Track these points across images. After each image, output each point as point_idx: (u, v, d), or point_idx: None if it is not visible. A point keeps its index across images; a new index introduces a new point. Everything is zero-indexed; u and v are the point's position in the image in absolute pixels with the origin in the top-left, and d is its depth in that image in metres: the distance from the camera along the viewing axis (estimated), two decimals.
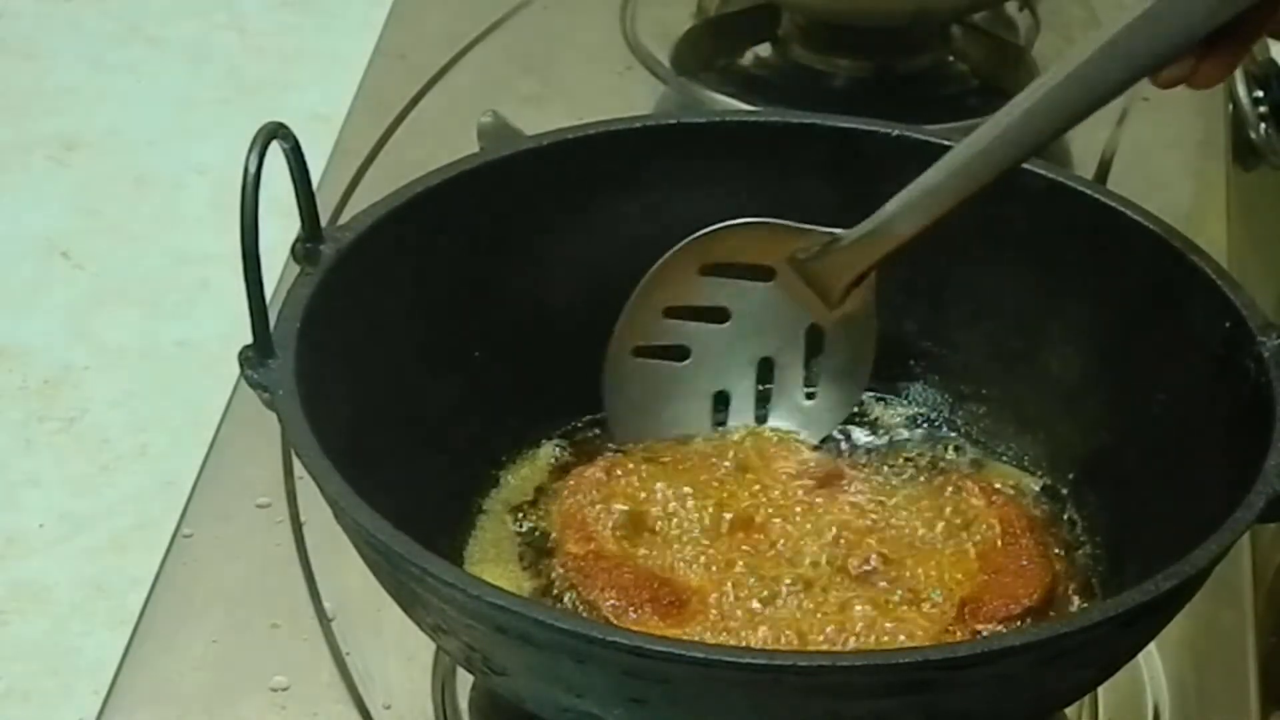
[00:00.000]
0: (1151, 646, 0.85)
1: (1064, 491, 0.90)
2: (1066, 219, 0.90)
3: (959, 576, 0.84)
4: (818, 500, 0.88)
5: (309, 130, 0.81)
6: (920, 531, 0.87)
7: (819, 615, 0.82)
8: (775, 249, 0.90)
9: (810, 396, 0.93)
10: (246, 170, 0.76)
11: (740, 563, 0.85)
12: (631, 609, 0.82)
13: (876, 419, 0.95)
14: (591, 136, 0.92)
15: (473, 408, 0.90)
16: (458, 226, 0.88)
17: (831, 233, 0.89)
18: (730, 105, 1.25)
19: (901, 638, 0.81)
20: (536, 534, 0.88)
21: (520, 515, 0.89)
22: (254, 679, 0.88)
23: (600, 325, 0.93)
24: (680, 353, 0.93)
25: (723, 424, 0.93)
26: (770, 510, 0.87)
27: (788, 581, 0.84)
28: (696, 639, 0.80)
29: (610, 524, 0.86)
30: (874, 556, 0.85)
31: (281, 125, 0.77)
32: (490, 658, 0.74)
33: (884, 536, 0.86)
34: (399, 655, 0.89)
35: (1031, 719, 0.79)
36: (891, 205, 0.86)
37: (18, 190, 1.98)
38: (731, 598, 0.83)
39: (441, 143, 1.08)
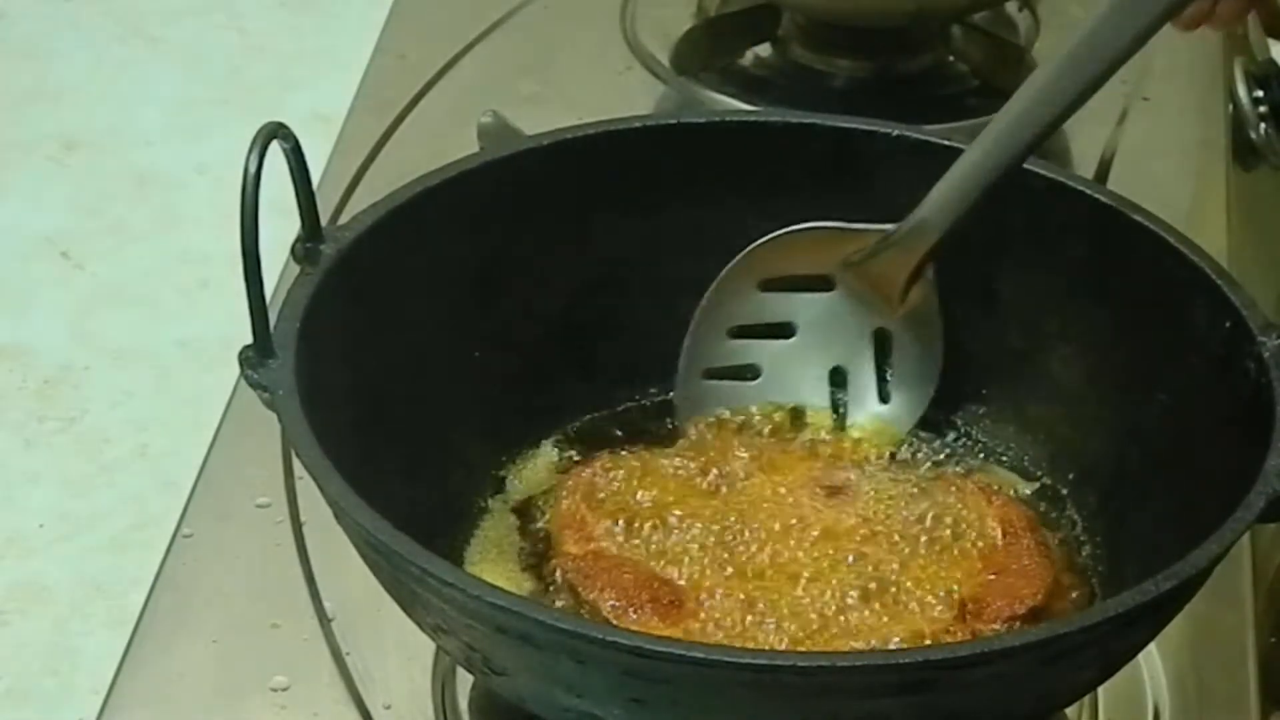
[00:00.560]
0: (1151, 646, 0.85)
1: (1064, 491, 0.90)
2: (1066, 219, 0.90)
3: (959, 576, 0.84)
4: (818, 500, 0.88)
5: (309, 130, 0.81)
6: (921, 532, 0.86)
7: (819, 615, 0.82)
8: (829, 254, 0.90)
9: (885, 400, 0.93)
10: (246, 170, 0.76)
11: (740, 563, 0.84)
12: (632, 609, 0.81)
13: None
14: (591, 136, 0.92)
15: (473, 408, 0.90)
16: (458, 226, 0.88)
17: (882, 229, 0.89)
18: (730, 105, 1.25)
19: (901, 638, 0.81)
20: (536, 534, 0.88)
21: (520, 515, 0.89)
22: (254, 679, 0.88)
23: (600, 325, 0.93)
24: (752, 371, 0.93)
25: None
26: (770, 510, 0.87)
27: (788, 582, 0.84)
28: (697, 639, 0.80)
29: (609, 524, 0.86)
30: (874, 556, 0.85)
31: (281, 125, 0.77)
32: (490, 658, 0.74)
33: (884, 536, 0.86)
34: (399, 655, 0.89)
35: (1031, 719, 0.79)
36: (937, 190, 0.87)
37: (18, 190, 1.98)
38: (731, 598, 0.83)
39: (441, 143, 1.08)
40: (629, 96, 1.28)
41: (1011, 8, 1.37)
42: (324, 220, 0.83)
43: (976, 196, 0.86)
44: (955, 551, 0.85)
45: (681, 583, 0.83)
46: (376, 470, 0.79)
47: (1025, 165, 0.90)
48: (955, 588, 0.83)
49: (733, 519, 0.87)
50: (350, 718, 0.87)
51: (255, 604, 0.92)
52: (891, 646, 0.80)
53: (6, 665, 1.50)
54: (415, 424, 0.86)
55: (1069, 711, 0.87)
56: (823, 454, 0.92)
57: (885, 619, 0.82)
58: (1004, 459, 0.93)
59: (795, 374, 0.93)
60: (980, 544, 0.86)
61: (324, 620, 0.91)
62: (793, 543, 0.86)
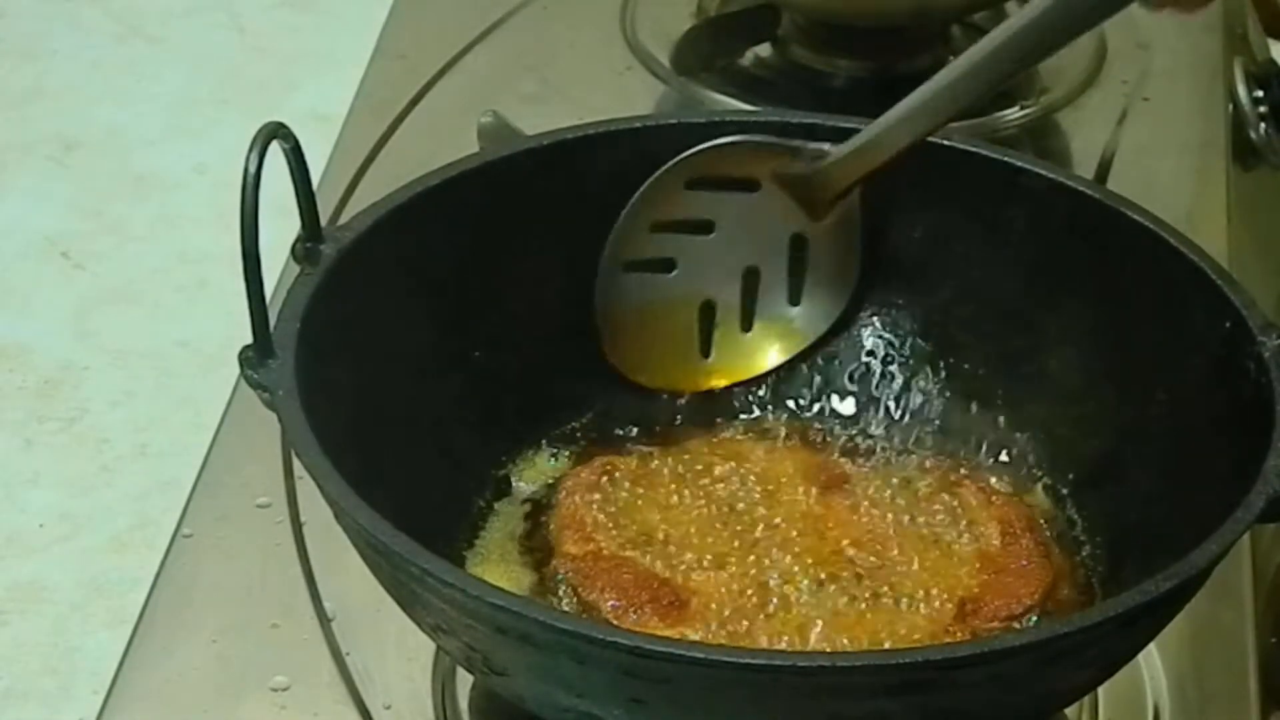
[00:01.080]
0: (1151, 646, 0.85)
1: (1064, 491, 0.90)
2: (1066, 219, 0.90)
3: (959, 576, 0.84)
4: (817, 500, 0.88)
5: (309, 130, 0.81)
6: (920, 532, 0.87)
7: (819, 615, 0.82)
8: (762, 165, 0.91)
9: (795, 303, 0.94)
10: (246, 170, 0.76)
11: (740, 563, 0.84)
12: (632, 610, 0.81)
13: (876, 419, 0.95)
14: (591, 136, 0.92)
15: (473, 408, 0.90)
16: (458, 226, 0.88)
17: (820, 149, 0.90)
18: (730, 105, 1.25)
19: (901, 637, 0.81)
20: (537, 534, 0.88)
21: (520, 515, 0.89)
22: (254, 679, 0.88)
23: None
24: (667, 265, 0.93)
25: (708, 334, 0.94)
26: (770, 510, 0.87)
27: (788, 582, 0.84)
28: (697, 639, 0.80)
29: (608, 525, 0.86)
30: (874, 556, 0.85)
31: (281, 125, 0.77)
32: (490, 658, 0.74)
33: (884, 536, 0.86)
34: (399, 655, 0.89)
35: (1031, 719, 0.79)
36: (881, 121, 0.87)
37: (18, 190, 1.98)
38: (732, 598, 0.83)
39: (441, 143, 1.08)
40: (629, 96, 1.28)
41: (1011, 8, 1.37)
42: (324, 220, 0.83)
43: (914, 138, 0.87)
44: (955, 551, 0.85)
45: (681, 583, 0.83)
46: (376, 470, 0.79)
47: (1025, 165, 0.91)
48: (955, 587, 0.83)
49: (731, 519, 0.87)
50: (350, 718, 0.87)
51: (255, 604, 0.92)
52: (891, 646, 0.80)
53: (6, 665, 1.50)
54: (415, 424, 0.86)
55: (1069, 711, 0.87)
56: (821, 454, 0.92)
57: (885, 619, 0.82)
58: (1004, 459, 0.93)
59: (710, 271, 0.93)
60: (980, 544, 0.86)
61: (324, 620, 0.91)
62: (792, 543, 0.86)
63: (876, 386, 0.94)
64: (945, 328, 0.93)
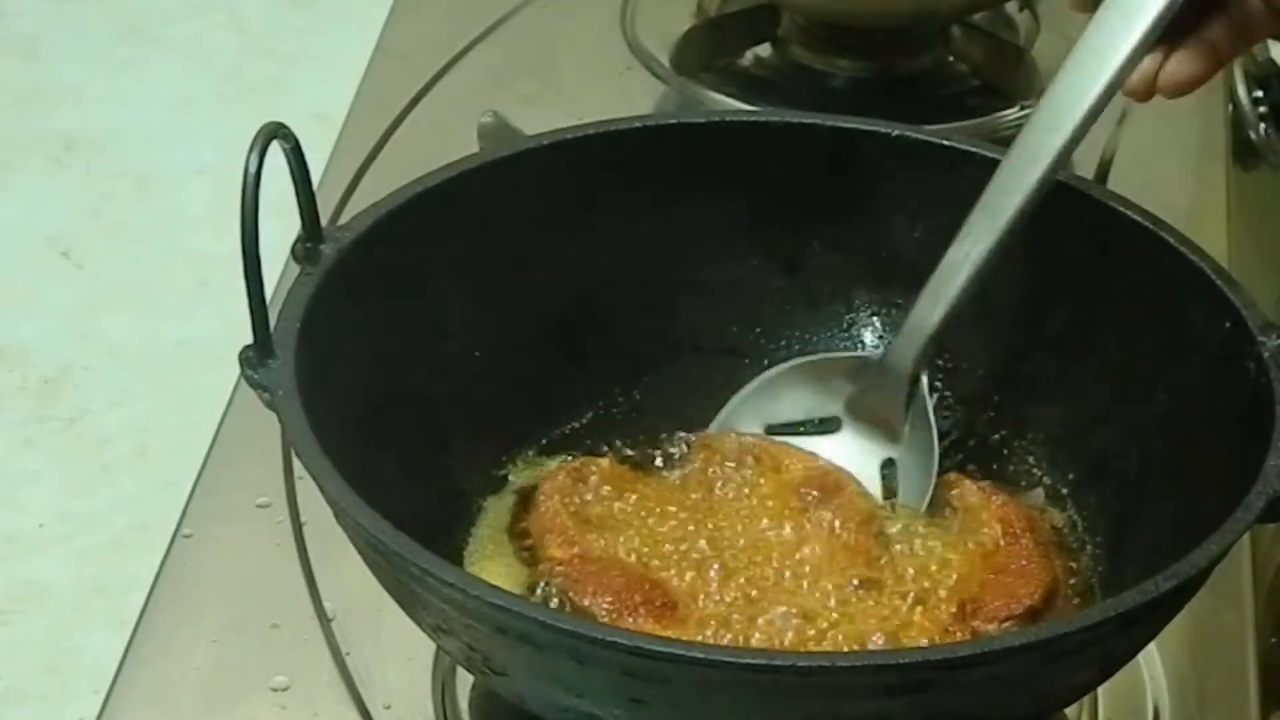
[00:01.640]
0: (1151, 646, 0.85)
1: (1064, 491, 0.90)
2: (1066, 219, 0.90)
3: (959, 577, 0.84)
4: (813, 500, 0.88)
5: (309, 130, 0.81)
6: (920, 531, 0.86)
7: (817, 615, 0.82)
8: (835, 399, 0.91)
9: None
10: (246, 170, 0.76)
11: (730, 563, 0.84)
12: (626, 612, 0.81)
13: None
14: (591, 136, 0.92)
15: (473, 407, 0.90)
16: (457, 226, 0.88)
17: (864, 358, 0.91)
18: (730, 105, 1.25)
19: (901, 638, 0.81)
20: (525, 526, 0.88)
21: (520, 516, 0.89)
22: (254, 679, 0.88)
23: (600, 325, 0.93)
24: None
25: None
26: (764, 511, 0.87)
27: (785, 582, 0.84)
28: (695, 640, 0.80)
29: (591, 527, 0.85)
30: (870, 556, 0.85)
31: (281, 125, 0.77)
32: (490, 658, 0.74)
33: (883, 536, 0.86)
34: (399, 655, 0.89)
35: (1031, 719, 0.79)
36: (915, 308, 0.87)
37: (18, 190, 1.98)
38: (726, 599, 0.83)
39: (441, 143, 1.08)
40: (629, 96, 1.28)
41: (1011, 8, 1.37)
42: (324, 220, 0.83)
43: (955, 298, 0.86)
44: (955, 551, 0.85)
45: (673, 585, 0.83)
46: (376, 470, 0.79)
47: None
48: (955, 587, 0.83)
49: (719, 519, 0.86)
50: (350, 718, 0.87)
51: (255, 604, 0.92)
52: (890, 646, 0.80)
53: (6, 665, 1.50)
54: (415, 424, 0.86)
55: (1069, 711, 0.87)
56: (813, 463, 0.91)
57: (884, 618, 0.82)
58: (1004, 459, 0.93)
59: None
60: (980, 544, 0.86)
61: (324, 620, 0.91)
62: (788, 543, 0.86)
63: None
64: (945, 328, 0.93)
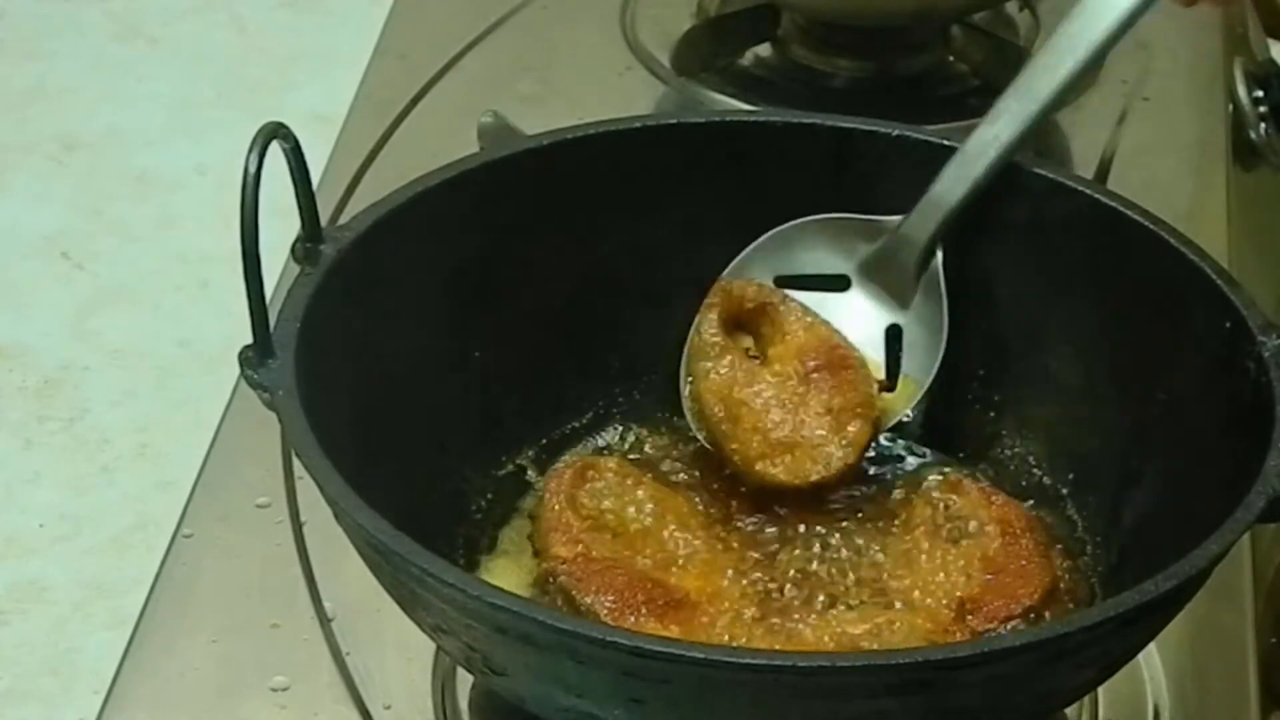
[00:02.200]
0: (1151, 646, 0.85)
1: (1064, 491, 0.90)
2: (1067, 219, 0.90)
3: (959, 577, 0.84)
4: (813, 500, 0.88)
5: (309, 130, 0.81)
6: (920, 531, 0.86)
7: (817, 615, 0.82)
8: (841, 248, 0.91)
9: (890, 389, 0.93)
10: (246, 170, 0.76)
11: (735, 562, 0.84)
12: (629, 611, 0.81)
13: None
14: (591, 136, 0.92)
15: (473, 408, 0.90)
16: (457, 226, 0.88)
17: (888, 220, 0.90)
18: (730, 105, 1.25)
19: (901, 638, 0.81)
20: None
21: (520, 515, 0.89)
22: (254, 679, 0.88)
23: (600, 324, 0.93)
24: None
25: None
26: (764, 510, 0.87)
27: (785, 582, 0.84)
28: (695, 640, 0.80)
29: (594, 526, 0.85)
30: (872, 555, 0.85)
31: (281, 125, 0.77)
32: (490, 658, 0.74)
33: (881, 535, 0.86)
34: (399, 655, 0.89)
35: (1031, 719, 0.79)
36: (938, 181, 0.88)
37: (18, 190, 1.98)
38: (727, 598, 0.83)
39: (441, 143, 1.08)
40: (629, 96, 1.28)
41: (1011, 8, 1.37)
42: (324, 220, 0.83)
43: (979, 177, 0.88)
44: (955, 551, 0.85)
45: (675, 584, 0.83)
46: (376, 470, 0.79)
47: (1025, 166, 0.91)
48: (955, 587, 0.83)
49: (721, 518, 0.86)
50: (350, 718, 0.87)
51: (255, 604, 0.92)
52: (891, 646, 0.80)
53: (6, 665, 1.50)
54: (415, 423, 0.86)
55: (1069, 711, 0.87)
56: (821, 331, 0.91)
57: (885, 619, 0.82)
58: (1004, 459, 0.93)
59: None
60: (980, 544, 0.85)
61: (324, 620, 0.91)
62: (788, 542, 0.86)
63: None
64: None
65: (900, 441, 0.94)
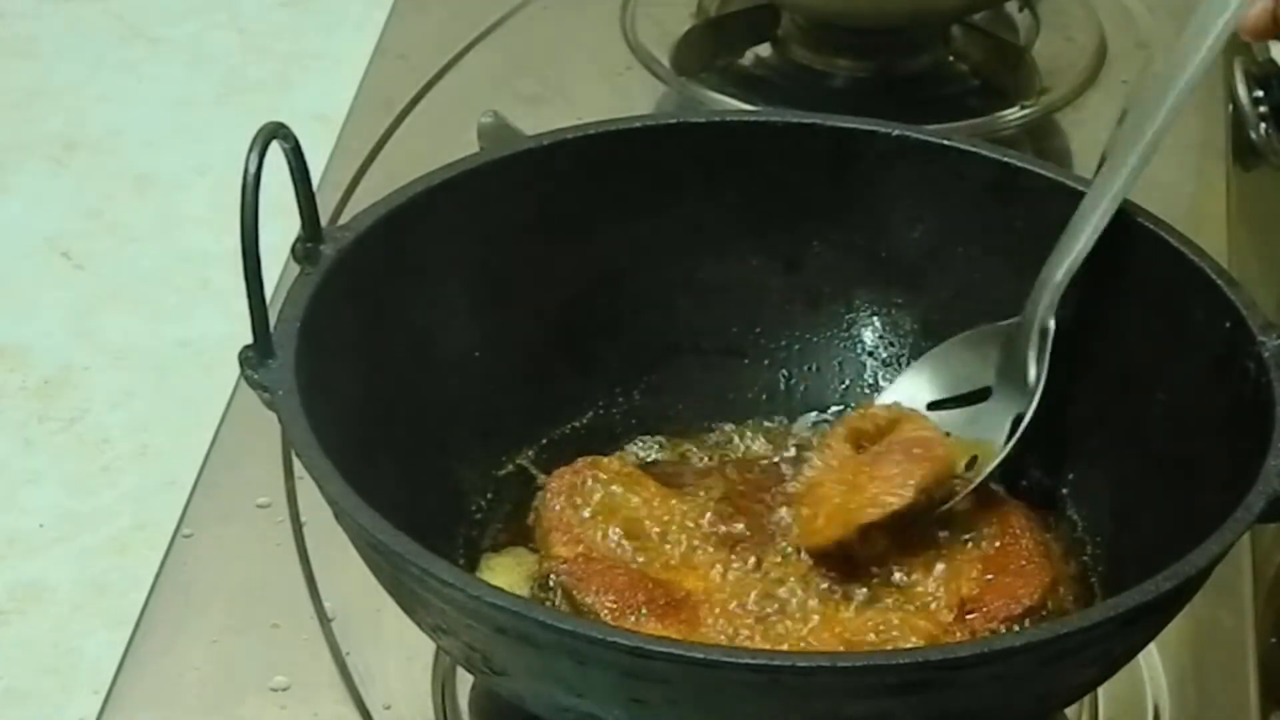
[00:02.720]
0: (1151, 646, 0.85)
1: (1064, 491, 0.90)
2: (1067, 219, 0.89)
3: (959, 576, 0.84)
4: (813, 500, 0.87)
5: (309, 130, 0.81)
6: (920, 531, 0.86)
7: (817, 615, 0.82)
8: (988, 368, 0.90)
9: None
10: (246, 170, 0.76)
11: (735, 562, 0.84)
12: (629, 611, 0.81)
13: None
14: (591, 136, 0.92)
15: (473, 408, 0.90)
16: (457, 226, 0.88)
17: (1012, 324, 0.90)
18: (730, 105, 1.25)
19: (901, 638, 0.81)
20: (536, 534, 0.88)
21: (520, 515, 0.89)
22: (254, 679, 0.88)
23: (600, 325, 0.93)
24: None
25: None
26: (766, 511, 0.87)
27: (785, 582, 0.84)
28: (696, 640, 0.80)
29: (595, 526, 0.85)
30: (871, 556, 0.85)
31: (281, 125, 0.77)
32: (490, 658, 0.74)
33: (881, 535, 0.86)
34: (399, 655, 0.89)
35: (1031, 719, 0.79)
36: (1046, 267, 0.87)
37: (18, 190, 1.98)
38: (728, 599, 0.83)
39: (441, 143, 1.08)
40: (629, 96, 1.28)
41: (1011, 8, 1.37)
42: (324, 220, 0.83)
43: (1073, 255, 0.87)
44: (955, 551, 0.85)
45: (675, 584, 0.83)
46: (376, 470, 0.79)
47: (1025, 165, 0.91)
48: (955, 587, 0.83)
49: (721, 518, 0.86)
50: (350, 718, 0.87)
51: (255, 604, 0.92)
52: (891, 646, 0.80)
53: (6, 665, 1.50)
54: (415, 423, 0.86)
55: (1069, 711, 0.87)
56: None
57: (885, 619, 0.82)
58: (1004, 459, 0.92)
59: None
60: (980, 544, 0.85)
61: (324, 620, 0.91)
62: (788, 543, 0.86)
63: (877, 387, 0.94)
64: (945, 328, 0.93)
65: None
